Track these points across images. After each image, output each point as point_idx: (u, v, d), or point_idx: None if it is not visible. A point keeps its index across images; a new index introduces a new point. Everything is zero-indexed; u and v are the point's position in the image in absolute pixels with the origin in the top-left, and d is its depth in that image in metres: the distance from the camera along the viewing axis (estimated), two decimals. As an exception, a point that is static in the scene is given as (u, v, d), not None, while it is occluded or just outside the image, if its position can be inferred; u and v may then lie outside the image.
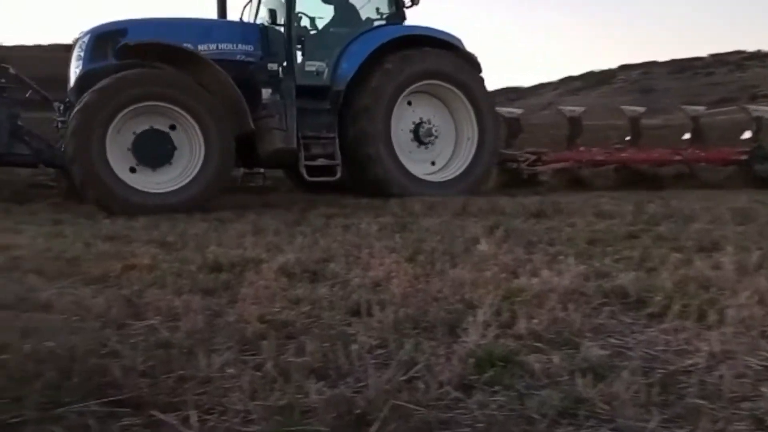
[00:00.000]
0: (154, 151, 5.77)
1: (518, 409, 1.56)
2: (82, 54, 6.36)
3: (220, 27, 6.83)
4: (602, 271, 2.95)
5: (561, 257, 3.29)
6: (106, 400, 1.72)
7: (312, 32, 7.39)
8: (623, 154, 9.21)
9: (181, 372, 1.87)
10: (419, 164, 7.15)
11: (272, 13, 6.72)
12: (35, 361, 1.90)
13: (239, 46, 6.62)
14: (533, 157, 8.73)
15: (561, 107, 10.51)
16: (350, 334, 2.13)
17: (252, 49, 6.64)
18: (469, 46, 7.91)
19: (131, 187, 5.68)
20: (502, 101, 20.00)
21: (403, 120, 7.08)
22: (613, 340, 2.07)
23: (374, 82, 6.73)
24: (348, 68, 6.81)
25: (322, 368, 1.87)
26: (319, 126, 6.72)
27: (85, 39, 6.41)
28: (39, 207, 5.82)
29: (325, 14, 7.62)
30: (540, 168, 8.75)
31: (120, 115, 5.64)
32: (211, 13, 7.33)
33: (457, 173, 7.17)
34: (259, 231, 4.48)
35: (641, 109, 10.02)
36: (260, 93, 6.35)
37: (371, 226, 4.62)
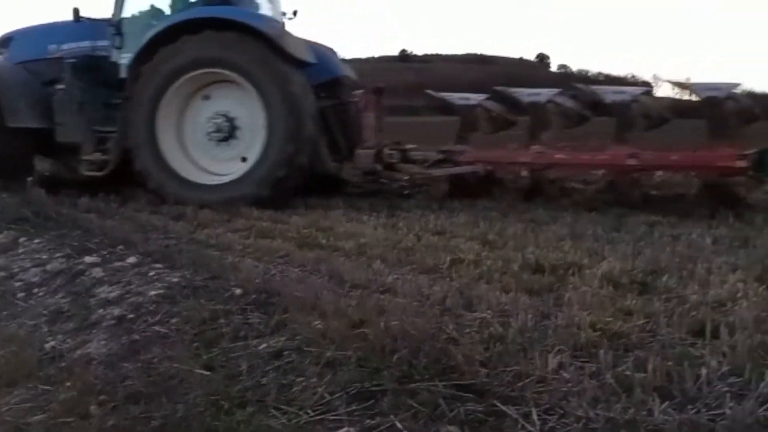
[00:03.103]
0: None
1: None
2: None
3: (83, 27, 6.87)
4: None
5: None
6: (450, 383, 1.88)
7: (143, 21, 6.83)
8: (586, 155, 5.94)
9: (517, 367, 1.94)
10: (227, 163, 6.16)
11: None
12: (390, 338, 2.16)
13: (97, 43, 6.78)
14: (436, 156, 6.46)
15: None
16: (696, 356, 1.96)
17: (104, 44, 6.73)
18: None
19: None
20: None
21: (200, 117, 6.22)
22: None
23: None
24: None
25: (665, 388, 1.76)
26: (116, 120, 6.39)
27: None
28: (378, 201, 6.53)
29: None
30: (436, 172, 6.47)
31: None
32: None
33: (238, 175, 5.98)
34: (578, 235, 4.39)
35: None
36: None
37: (704, 238, 4.17)
